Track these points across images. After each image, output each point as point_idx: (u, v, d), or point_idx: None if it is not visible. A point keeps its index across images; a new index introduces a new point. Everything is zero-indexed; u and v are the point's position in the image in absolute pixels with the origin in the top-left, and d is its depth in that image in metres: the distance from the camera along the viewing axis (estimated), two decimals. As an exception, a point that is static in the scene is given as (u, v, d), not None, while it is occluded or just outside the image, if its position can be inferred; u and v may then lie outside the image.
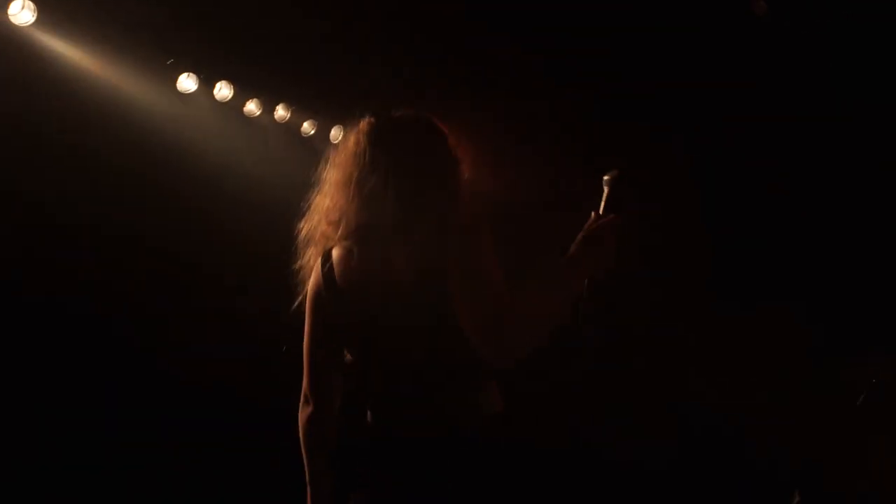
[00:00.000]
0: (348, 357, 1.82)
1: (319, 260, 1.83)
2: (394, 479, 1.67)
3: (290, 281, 1.90)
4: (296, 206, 1.87)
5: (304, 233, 1.87)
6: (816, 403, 5.12)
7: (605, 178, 1.73)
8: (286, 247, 1.93)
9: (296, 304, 1.89)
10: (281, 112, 5.00)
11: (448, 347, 1.65)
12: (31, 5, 3.50)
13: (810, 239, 5.17)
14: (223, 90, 4.68)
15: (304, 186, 1.92)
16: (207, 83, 4.61)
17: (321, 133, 5.19)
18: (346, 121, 5.10)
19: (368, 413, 1.76)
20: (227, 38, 4.52)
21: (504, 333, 1.56)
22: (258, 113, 4.90)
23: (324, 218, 1.82)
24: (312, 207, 1.87)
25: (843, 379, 4.83)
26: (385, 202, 1.71)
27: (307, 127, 5.13)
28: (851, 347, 4.88)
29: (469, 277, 1.61)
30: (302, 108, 5.10)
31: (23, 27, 3.56)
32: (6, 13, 3.47)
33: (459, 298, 1.61)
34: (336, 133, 5.22)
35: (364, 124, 1.85)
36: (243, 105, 4.85)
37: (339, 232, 1.79)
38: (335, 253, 1.81)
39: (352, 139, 1.84)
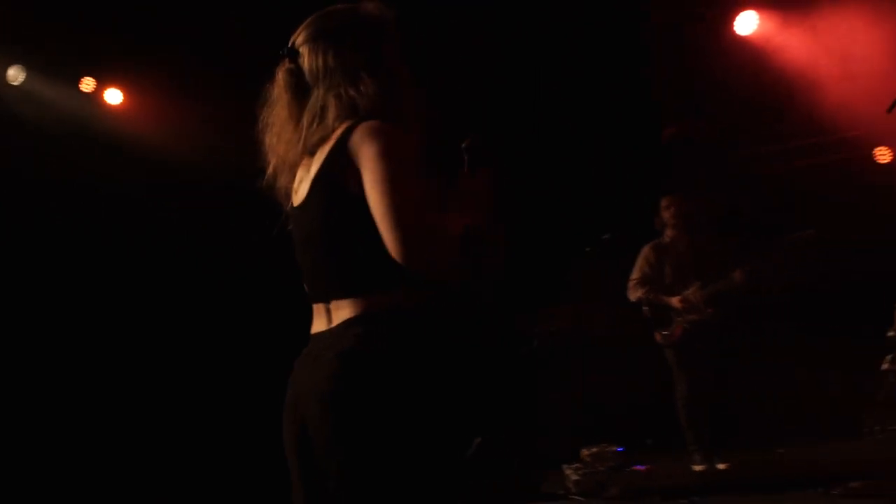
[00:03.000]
0: None
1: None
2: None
3: None
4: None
5: (270, 170, 1.84)
6: (499, 352, 5.66)
7: (463, 146, 1.85)
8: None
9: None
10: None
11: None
12: None
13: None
14: None
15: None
16: None
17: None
18: (27, 61, 4.73)
19: None
20: None
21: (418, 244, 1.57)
22: None
23: (280, 153, 1.82)
24: (268, 149, 1.84)
25: (521, 329, 5.40)
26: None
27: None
28: (529, 304, 5.47)
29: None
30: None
31: None
32: None
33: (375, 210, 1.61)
34: (14, 73, 4.68)
35: (280, 73, 1.82)
36: None
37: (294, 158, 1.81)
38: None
39: (275, 95, 1.83)
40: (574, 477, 4.68)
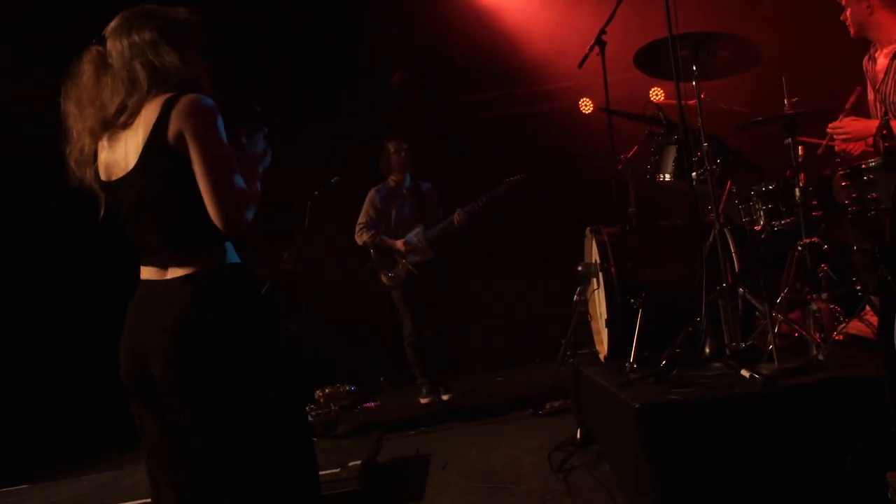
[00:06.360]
0: None
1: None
2: None
3: None
4: None
5: (73, 158, 1.96)
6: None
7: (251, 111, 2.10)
8: None
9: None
10: None
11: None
12: None
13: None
14: None
15: None
16: None
17: None
18: None
19: None
20: None
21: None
22: None
23: (85, 135, 1.94)
24: (72, 135, 1.96)
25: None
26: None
27: None
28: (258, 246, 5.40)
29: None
30: None
31: None
32: None
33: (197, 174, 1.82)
34: None
35: (87, 53, 1.95)
36: None
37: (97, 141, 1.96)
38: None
39: (80, 69, 1.95)
40: (308, 418, 4.76)
